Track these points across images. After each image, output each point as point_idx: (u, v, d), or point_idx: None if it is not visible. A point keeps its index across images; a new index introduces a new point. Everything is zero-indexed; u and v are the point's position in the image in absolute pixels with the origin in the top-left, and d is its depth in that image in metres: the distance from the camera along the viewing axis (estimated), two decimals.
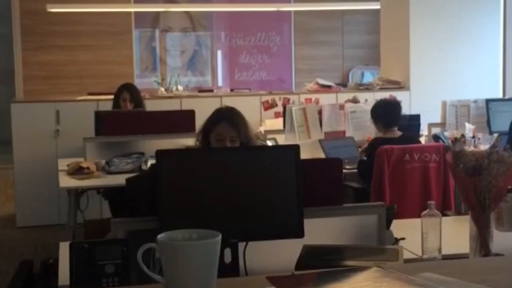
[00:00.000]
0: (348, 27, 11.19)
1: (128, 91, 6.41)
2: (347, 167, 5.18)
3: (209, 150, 3.19)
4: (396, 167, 4.68)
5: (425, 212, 2.71)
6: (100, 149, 5.45)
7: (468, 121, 6.01)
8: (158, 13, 10.55)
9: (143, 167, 5.12)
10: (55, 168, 5.65)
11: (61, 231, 5.92)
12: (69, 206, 5.31)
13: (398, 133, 5.14)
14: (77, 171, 5.07)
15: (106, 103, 6.84)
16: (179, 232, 1.77)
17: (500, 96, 7.33)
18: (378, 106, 5.30)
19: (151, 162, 5.11)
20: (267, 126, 6.45)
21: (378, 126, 5.24)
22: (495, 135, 5.77)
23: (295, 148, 2.55)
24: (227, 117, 3.51)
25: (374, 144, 5.05)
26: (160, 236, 1.76)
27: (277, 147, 2.97)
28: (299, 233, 2.51)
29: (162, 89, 8.34)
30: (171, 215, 2.45)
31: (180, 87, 8.60)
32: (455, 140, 5.69)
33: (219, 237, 1.72)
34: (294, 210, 2.51)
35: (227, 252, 2.46)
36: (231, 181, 2.50)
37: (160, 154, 2.50)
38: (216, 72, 11.13)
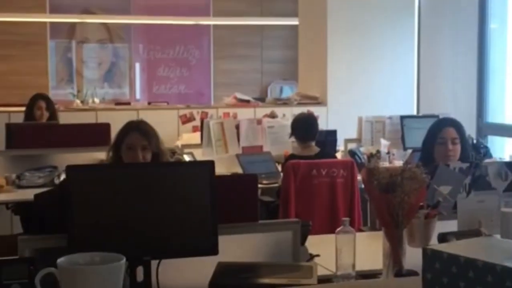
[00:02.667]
0: (267, 41, 11.26)
1: (43, 100, 6.34)
2: (264, 182, 5.18)
3: (121, 165, 3.12)
4: (303, 182, 4.69)
5: (339, 228, 2.71)
6: (11, 162, 5.26)
7: (383, 137, 6.10)
8: (74, 24, 10.36)
9: (56, 181, 4.99)
10: None
11: None
12: None
13: (315, 149, 5.15)
14: None
15: (18, 115, 6.64)
16: (81, 255, 1.70)
17: (415, 113, 7.50)
18: (296, 120, 5.31)
19: (64, 176, 4.98)
20: (184, 140, 6.39)
21: (296, 140, 5.24)
22: (409, 151, 5.88)
23: (210, 164, 2.51)
24: (137, 127, 3.54)
25: (290, 157, 5.08)
26: (60, 260, 1.67)
27: (191, 163, 2.93)
28: (214, 251, 2.47)
29: (78, 101, 8.19)
30: (81, 232, 2.37)
31: (96, 100, 8.45)
32: (371, 156, 5.77)
33: (123, 261, 1.65)
34: (208, 227, 2.47)
35: (140, 270, 2.40)
36: (143, 197, 2.44)
37: (70, 170, 2.42)
38: (134, 84, 10.99)
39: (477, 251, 1.69)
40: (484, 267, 1.61)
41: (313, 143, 5.19)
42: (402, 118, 6.15)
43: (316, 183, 4.72)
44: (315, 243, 2.91)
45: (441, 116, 5.45)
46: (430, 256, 1.75)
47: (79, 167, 2.46)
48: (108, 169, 2.70)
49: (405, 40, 7.67)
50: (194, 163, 2.71)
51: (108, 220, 2.40)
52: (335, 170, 4.75)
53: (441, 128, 3.90)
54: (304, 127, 5.19)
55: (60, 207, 2.46)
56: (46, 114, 6.27)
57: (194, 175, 2.49)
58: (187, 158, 5.43)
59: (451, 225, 2.91)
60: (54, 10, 10.02)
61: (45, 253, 2.39)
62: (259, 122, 5.92)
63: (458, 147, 3.86)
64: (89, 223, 2.39)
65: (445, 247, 1.76)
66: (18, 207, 5.29)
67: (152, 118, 4.22)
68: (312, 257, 2.85)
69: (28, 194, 4.79)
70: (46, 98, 6.42)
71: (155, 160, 3.38)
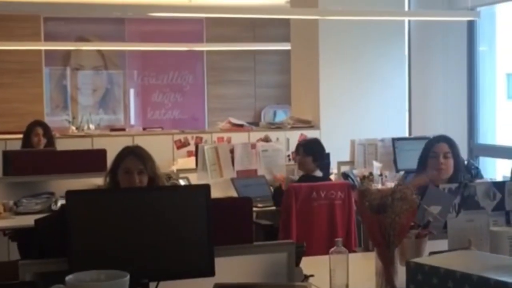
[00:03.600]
0: (259, 66, 11.38)
1: (41, 126, 6.43)
2: (258, 205, 5.24)
3: (119, 190, 3.19)
4: (303, 204, 4.78)
5: (332, 249, 2.78)
6: (8, 189, 5.30)
7: (376, 159, 6.18)
8: (69, 51, 10.45)
9: (53, 207, 5.03)
10: None
11: None
12: None
13: (319, 172, 5.23)
14: None
15: (14, 142, 6.70)
16: (88, 273, 1.78)
17: (406, 135, 7.58)
18: (313, 142, 5.41)
19: (61, 202, 5.03)
20: (179, 165, 6.45)
21: (307, 160, 5.24)
22: (401, 173, 5.96)
23: (206, 188, 2.58)
24: (133, 151, 3.63)
25: (302, 180, 5.13)
26: (68, 278, 1.75)
27: (187, 187, 3.00)
28: (210, 272, 2.53)
29: (73, 128, 8.26)
30: (81, 256, 2.43)
31: (91, 126, 8.53)
32: (364, 178, 5.84)
33: (127, 278, 1.73)
34: (205, 249, 2.54)
35: None
36: (141, 220, 2.50)
37: (70, 195, 2.48)
38: (129, 110, 11.08)
39: (456, 263, 1.79)
40: (462, 277, 1.71)
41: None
42: (394, 140, 6.23)
43: (315, 205, 4.81)
44: (310, 264, 2.96)
45: None
46: (413, 269, 1.85)
47: (79, 192, 2.52)
48: (106, 193, 2.77)
49: (396, 63, 7.78)
50: (190, 187, 2.78)
51: (107, 243, 2.46)
52: (333, 192, 4.84)
53: (434, 143, 4.12)
54: (318, 150, 5.27)
55: (59, 232, 2.52)
56: (43, 141, 6.34)
57: (190, 199, 2.56)
58: (182, 182, 5.48)
59: (441, 244, 2.97)
60: (49, 37, 10.13)
61: (46, 277, 2.45)
62: (253, 146, 6.00)
63: (450, 161, 4.01)
64: (89, 246, 2.45)
65: (426, 260, 1.86)
66: (15, 234, 5.33)
67: (147, 143, 4.28)
68: (306, 277, 2.91)
69: (26, 220, 4.85)
70: (43, 125, 6.50)
71: (151, 184, 3.45)
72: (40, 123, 6.52)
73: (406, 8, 7.91)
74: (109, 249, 2.46)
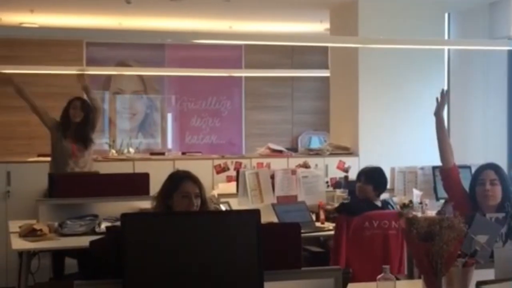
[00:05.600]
0: (297, 92, 11.45)
1: (79, 100, 6.69)
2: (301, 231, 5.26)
3: (173, 213, 3.26)
4: (356, 234, 4.70)
5: (380, 276, 2.81)
6: (53, 211, 5.41)
7: (416, 187, 6.18)
8: (110, 75, 10.63)
9: (97, 230, 5.12)
10: (4, 229, 5.59)
11: None
12: (19, 268, 5.24)
13: (379, 202, 5.16)
14: (29, 233, 5.03)
15: None
16: None
17: None
18: (375, 171, 5.25)
19: (104, 224, 5.12)
20: (220, 190, 6.51)
21: (368, 188, 5.14)
22: (442, 201, 5.95)
23: (256, 213, 2.63)
24: (189, 176, 3.73)
25: (360, 204, 5.08)
26: None
27: (239, 212, 3.05)
28: None
29: (113, 151, 8.38)
30: (135, 277, 2.49)
31: (131, 150, 8.65)
32: (404, 206, 5.85)
33: None
34: (255, 273, 2.58)
35: None
36: (194, 244, 2.56)
37: (125, 217, 2.55)
38: (166, 135, 11.20)
39: None
40: None
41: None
42: (434, 168, 6.23)
43: (368, 235, 4.72)
44: None
45: (472, 166, 5.54)
46: None
47: (134, 215, 2.59)
48: (161, 216, 2.83)
49: (436, 91, 7.71)
50: (242, 212, 2.83)
51: (160, 266, 2.52)
52: (386, 222, 4.76)
53: (481, 171, 4.17)
54: (380, 180, 5.17)
55: (113, 253, 2.59)
56: (79, 114, 6.56)
57: (242, 223, 2.61)
58: (223, 207, 5.54)
59: (488, 274, 2.98)
60: (91, 62, 10.31)
61: None
62: (293, 172, 6.04)
63: (498, 188, 4.04)
64: (142, 268, 2.51)
65: None
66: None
67: (188, 167, 4.33)
68: None
69: (71, 242, 4.95)
70: (82, 100, 6.72)
71: (202, 208, 3.52)
72: (78, 98, 6.78)
73: (446, 37, 7.94)
74: (161, 272, 2.51)
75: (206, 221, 2.64)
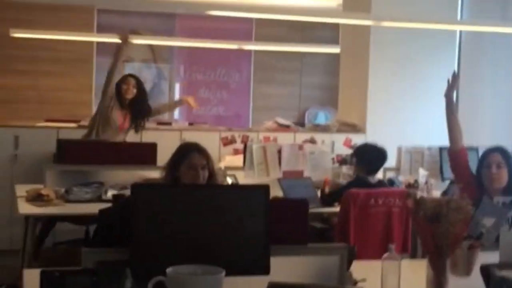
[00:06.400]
0: (306, 67, 11.41)
1: (133, 77, 6.68)
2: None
3: (183, 185, 3.28)
4: (361, 211, 4.74)
5: (385, 255, 2.82)
6: (60, 177, 5.45)
7: (422, 167, 6.19)
8: (120, 43, 10.57)
9: (103, 197, 5.15)
10: (10, 193, 5.63)
11: (12, 258, 5.86)
12: (25, 232, 5.28)
13: (376, 179, 5.22)
14: (36, 198, 5.07)
15: (66, 131, 6.86)
16: (185, 267, 1.89)
17: None
18: (366, 150, 5.30)
19: (110, 192, 5.15)
20: (226, 162, 6.53)
21: (360, 168, 5.24)
22: (447, 182, 5.96)
23: (265, 188, 2.65)
24: (196, 148, 3.74)
25: (356, 181, 5.16)
26: (169, 270, 1.87)
27: (247, 187, 3.06)
28: (265, 271, 2.59)
29: None
30: (142, 247, 2.51)
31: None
32: (409, 185, 5.86)
33: (223, 273, 1.82)
34: (261, 248, 2.60)
35: None
36: (201, 217, 2.58)
37: (135, 187, 2.56)
38: None
39: None
40: None
41: (375, 175, 5.24)
42: (441, 149, 6.23)
43: (373, 212, 4.77)
44: (363, 268, 3.01)
45: (480, 149, 5.55)
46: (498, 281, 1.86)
47: (144, 186, 2.60)
48: (170, 188, 2.85)
49: (446, 71, 7.69)
50: (251, 187, 2.84)
51: (167, 237, 2.54)
52: (391, 199, 4.81)
53: (487, 153, 4.19)
54: (372, 159, 5.22)
55: (121, 223, 2.61)
56: (133, 91, 6.53)
57: (250, 198, 2.63)
58: (229, 180, 5.56)
59: (492, 257, 2.99)
60: (101, 29, 10.28)
61: (107, 265, 2.53)
62: (300, 147, 6.05)
63: (504, 172, 4.06)
64: (150, 238, 2.53)
65: None
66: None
67: (194, 138, 4.34)
68: (357, 282, 2.95)
69: (76, 208, 4.99)
70: (135, 77, 6.70)
71: (210, 180, 3.55)
72: (132, 75, 6.78)
73: (459, 18, 7.89)
74: (168, 243, 2.53)
75: (214, 194, 2.66)
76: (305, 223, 2.90)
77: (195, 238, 2.55)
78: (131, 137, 6.91)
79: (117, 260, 2.54)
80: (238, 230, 2.59)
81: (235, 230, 2.59)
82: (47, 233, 5.73)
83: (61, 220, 5.59)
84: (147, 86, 11.03)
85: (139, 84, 6.63)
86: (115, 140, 6.45)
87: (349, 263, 2.97)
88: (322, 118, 10.74)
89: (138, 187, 2.53)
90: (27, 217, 5.00)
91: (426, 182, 5.94)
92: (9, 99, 9.80)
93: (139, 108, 6.60)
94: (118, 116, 6.51)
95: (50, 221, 5.60)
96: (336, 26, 9.01)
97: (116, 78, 6.61)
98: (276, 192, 5.57)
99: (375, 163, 5.25)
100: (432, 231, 2.75)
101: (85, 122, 7.20)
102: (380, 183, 5.21)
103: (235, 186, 3.72)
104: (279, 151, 5.92)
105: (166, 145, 4.27)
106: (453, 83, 4.44)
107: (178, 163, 3.64)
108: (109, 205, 3.45)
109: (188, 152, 3.66)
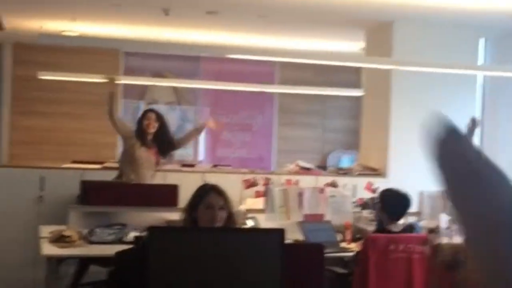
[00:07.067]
0: (329, 110, 11.47)
1: (153, 112, 6.77)
2: (326, 251, 5.28)
3: (198, 228, 3.31)
4: (381, 256, 4.67)
5: None
6: (83, 218, 5.51)
7: (444, 212, 6.15)
8: (145, 85, 10.76)
9: (125, 239, 5.18)
10: (35, 234, 5.68)
11: None
12: (47, 273, 5.32)
13: (400, 226, 5.12)
14: (59, 239, 5.12)
15: (90, 172, 6.95)
16: None
17: None
18: (388, 196, 5.22)
19: (132, 234, 5.19)
20: (248, 205, 6.55)
21: (383, 214, 5.16)
22: None
23: (281, 232, 2.67)
24: (214, 188, 3.76)
25: (378, 231, 5.11)
26: None
27: (263, 230, 3.10)
28: None
29: None
30: None
31: (163, 160, 8.69)
32: (430, 231, 5.83)
33: None
34: None
35: None
36: (217, 260, 2.61)
37: (152, 230, 2.61)
38: (198, 147, 11.28)
39: None
40: None
41: (399, 222, 5.14)
42: None
43: (393, 257, 4.67)
44: None
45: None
46: None
47: (160, 228, 2.65)
48: (186, 231, 2.89)
49: (467, 116, 7.75)
50: (266, 230, 2.87)
51: (183, 280, 2.57)
52: (412, 245, 4.73)
53: None
54: (395, 205, 5.14)
55: (138, 265, 2.64)
56: (154, 125, 6.65)
57: (265, 241, 2.65)
58: (250, 222, 5.58)
59: None
60: (128, 71, 10.44)
61: None
62: (321, 190, 6.06)
63: None
64: (166, 281, 2.56)
65: None
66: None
67: (216, 180, 4.38)
68: None
69: (98, 250, 5.02)
70: (155, 112, 6.81)
71: (229, 222, 3.56)
72: (152, 110, 6.90)
73: (482, 62, 7.92)
74: (185, 285, 2.56)
75: (230, 237, 2.69)
76: (321, 267, 2.91)
77: (210, 281, 2.57)
78: (156, 178, 6.97)
79: None
80: (254, 274, 2.62)
81: (250, 274, 2.61)
82: (81, 274, 5.76)
83: (87, 262, 5.64)
84: (172, 128, 11.20)
85: (160, 118, 6.74)
86: (146, 177, 6.54)
87: None
88: (346, 162, 10.74)
89: (154, 230, 2.58)
90: (49, 258, 5.05)
91: (448, 228, 5.90)
92: (35, 140, 9.96)
93: (164, 139, 6.69)
94: (143, 154, 6.59)
95: (84, 263, 5.64)
96: (359, 69, 9.09)
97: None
98: (296, 235, 5.59)
99: (399, 210, 5.18)
100: (450, 279, 2.75)
101: (109, 164, 7.29)
102: (404, 230, 5.12)
103: (250, 229, 3.73)
104: (300, 194, 5.94)
105: (189, 187, 4.30)
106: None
107: (196, 204, 3.66)
108: (127, 247, 3.47)
109: (206, 192, 3.68)
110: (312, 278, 2.87)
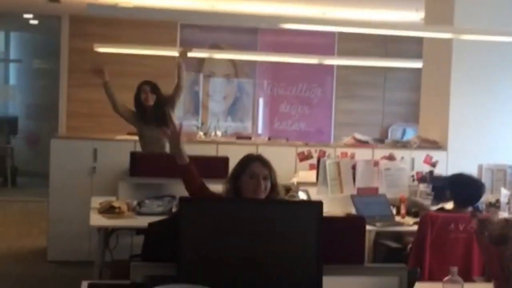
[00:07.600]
0: (389, 83, 11.22)
1: (147, 84, 6.70)
2: (377, 224, 5.14)
3: (231, 200, 3.21)
4: (439, 235, 4.44)
5: (447, 278, 2.67)
6: (133, 189, 5.50)
7: (504, 186, 5.93)
8: (203, 58, 10.70)
9: (173, 210, 5.14)
10: (88, 205, 5.70)
11: (90, 269, 5.94)
12: (98, 244, 5.33)
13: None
14: (108, 210, 5.12)
15: None
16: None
17: None
18: (460, 182, 4.77)
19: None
20: (300, 178, 6.43)
21: (456, 201, 4.76)
22: None
23: (318, 205, 2.55)
24: (258, 158, 3.65)
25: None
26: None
27: (300, 203, 2.98)
28: None
29: (201, 133, 8.42)
30: (189, 263, 2.46)
31: (218, 132, 8.66)
32: (490, 205, 5.61)
33: None
34: (313, 266, 2.50)
35: None
36: (252, 233, 2.50)
37: (183, 202, 2.52)
38: (257, 119, 11.21)
39: None
40: None
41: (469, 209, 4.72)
42: None
43: (452, 237, 4.44)
44: None
45: None
46: None
47: (192, 200, 2.55)
48: (218, 203, 2.79)
49: None
50: (303, 203, 2.76)
51: (216, 253, 2.48)
52: (473, 226, 4.44)
53: None
54: (466, 192, 4.71)
55: (171, 237, 2.56)
56: (151, 98, 6.60)
57: (302, 215, 2.53)
58: (302, 195, 5.47)
59: None
60: (184, 44, 10.39)
61: (155, 280, 2.49)
62: (375, 163, 5.89)
63: None
64: (197, 254, 2.47)
65: None
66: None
67: (271, 153, 4.27)
68: None
69: (147, 221, 4.98)
70: (150, 83, 6.74)
71: (272, 193, 3.46)
72: (146, 82, 6.77)
73: None
74: (217, 259, 2.47)
75: (264, 209, 2.58)
76: (362, 241, 2.78)
77: (243, 255, 2.47)
78: (207, 150, 6.93)
79: (165, 275, 2.50)
80: (289, 247, 2.50)
81: (286, 247, 2.50)
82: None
83: (137, 233, 5.62)
84: (229, 101, 11.16)
85: (156, 89, 6.71)
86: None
87: (411, 285, 2.83)
88: (410, 135, 10.49)
89: (185, 201, 2.48)
90: (98, 229, 5.05)
91: (508, 202, 5.68)
92: (92, 112, 10.03)
93: (164, 112, 6.60)
94: (153, 133, 6.50)
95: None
96: (420, 40, 8.80)
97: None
98: (349, 209, 5.46)
99: (475, 197, 4.76)
100: (498, 254, 2.59)
101: None
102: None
103: (287, 201, 3.59)
104: (354, 167, 5.78)
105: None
106: None
107: (239, 173, 3.56)
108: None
109: (250, 162, 3.58)
110: (353, 252, 2.74)
